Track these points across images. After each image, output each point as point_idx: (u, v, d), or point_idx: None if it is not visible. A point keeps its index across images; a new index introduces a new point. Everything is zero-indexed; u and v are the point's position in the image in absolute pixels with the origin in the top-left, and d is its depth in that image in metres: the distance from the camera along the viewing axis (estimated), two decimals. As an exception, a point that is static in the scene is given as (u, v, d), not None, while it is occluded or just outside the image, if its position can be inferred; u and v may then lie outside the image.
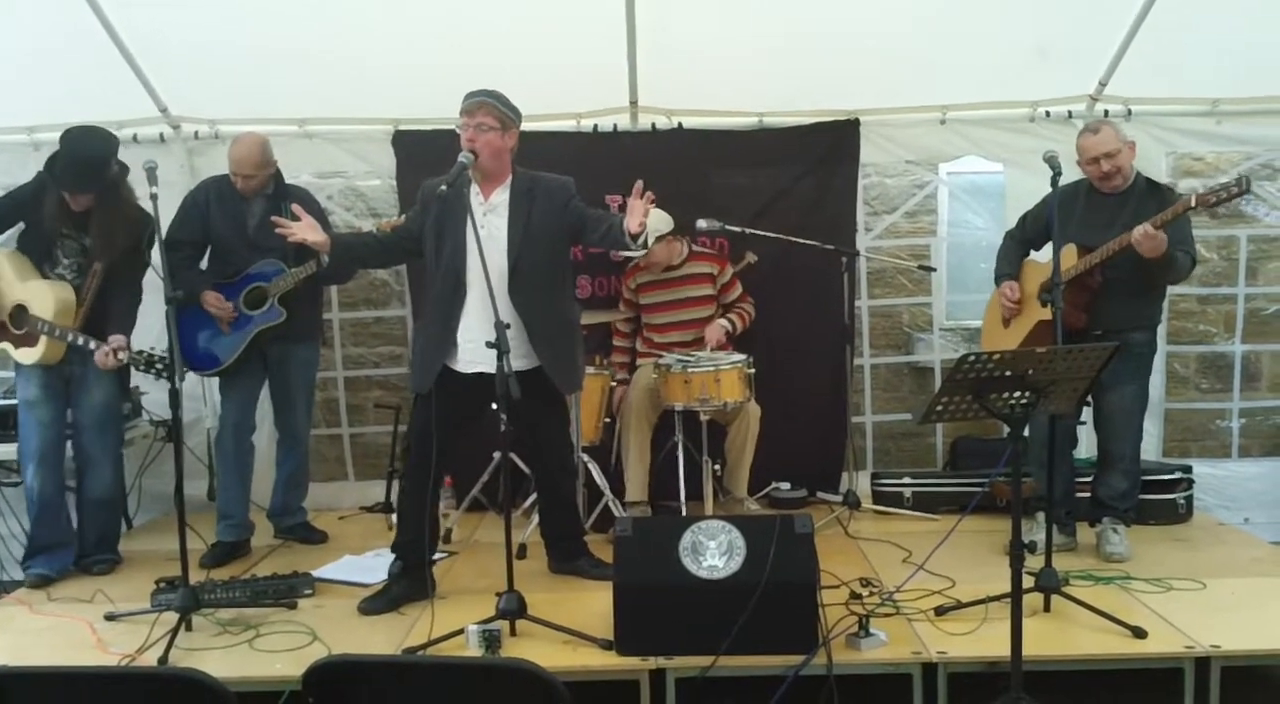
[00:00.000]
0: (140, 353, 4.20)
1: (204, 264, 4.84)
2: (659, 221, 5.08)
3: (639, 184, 3.86)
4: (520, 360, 3.97)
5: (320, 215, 4.83)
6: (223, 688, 2.28)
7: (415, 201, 4.20)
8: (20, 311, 4.44)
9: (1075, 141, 4.45)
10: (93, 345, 4.29)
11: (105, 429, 4.65)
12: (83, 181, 4.35)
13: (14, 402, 4.85)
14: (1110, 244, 4.19)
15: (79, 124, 4.38)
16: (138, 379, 5.07)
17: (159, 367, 4.14)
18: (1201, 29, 4.82)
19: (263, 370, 4.90)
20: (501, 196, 4.04)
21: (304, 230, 3.95)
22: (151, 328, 4.96)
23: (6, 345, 4.50)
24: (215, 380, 5.05)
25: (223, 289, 4.71)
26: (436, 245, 4.05)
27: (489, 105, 3.93)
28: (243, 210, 4.71)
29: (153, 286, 4.49)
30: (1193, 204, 4.00)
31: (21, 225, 4.59)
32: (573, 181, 4.16)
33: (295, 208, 3.93)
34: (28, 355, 4.46)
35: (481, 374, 3.90)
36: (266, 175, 4.74)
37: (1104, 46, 5.07)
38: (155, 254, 4.37)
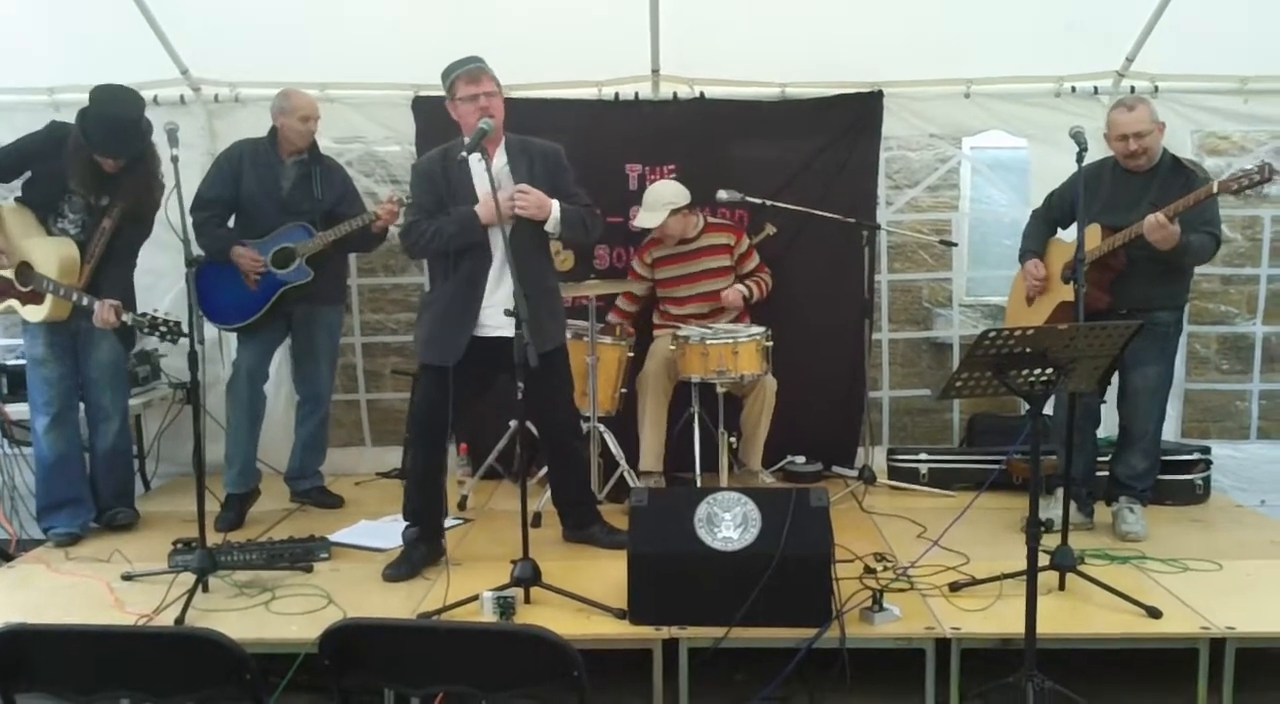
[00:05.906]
0: (144, 315, 4.18)
1: (230, 225, 4.81)
2: (674, 195, 5.08)
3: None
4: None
5: (349, 184, 4.92)
6: (240, 648, 2.29)
7: (415, 184, 4.14)
8: (25, 268, 4.42)
9: (1107, 115, 4.42)
10: (97, 305, 4.27)
11: (116, 384, 4.67)
12: (121, 145, 4.32)
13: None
14: (1133, 226, 4.15)
15: (105, 84, 4.33)
16: (155, 341, 5.05)
17: (163, 329, 4.13)
18: (1231, 6, 4.77)
19: (285, 329, 4.90)
20: (500, 160, 4.01)
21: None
22: (171, 288, 4.97)
23: (12, 302, 4.48)
24: (234, 339, 5.05)
25: (250, 248, 4.68)
26: None
27: (489, 71, 3.92)
28: (277, 173, 4.70)
29: (173, 248, 4.47)
30: (1214, 190, 3.96)
31: (26, 175, 4.54)
32: (562, 149, 4.14)
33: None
34: (34, 313, 4.44)
35: (496, 339, 3.88)
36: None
37: (1132, 22, 5.02)
38: (175, 215, 4.35)
